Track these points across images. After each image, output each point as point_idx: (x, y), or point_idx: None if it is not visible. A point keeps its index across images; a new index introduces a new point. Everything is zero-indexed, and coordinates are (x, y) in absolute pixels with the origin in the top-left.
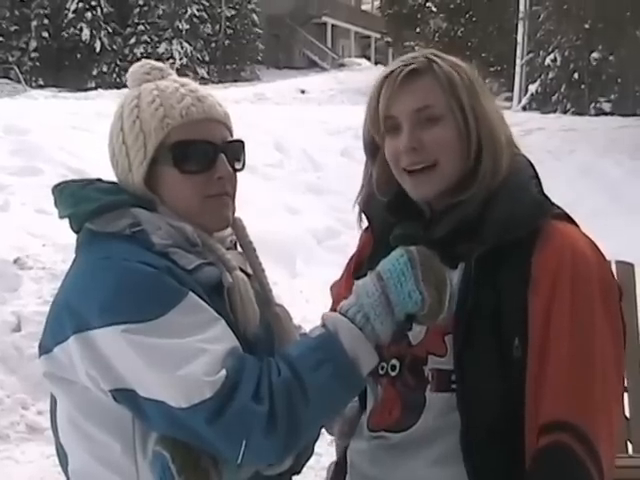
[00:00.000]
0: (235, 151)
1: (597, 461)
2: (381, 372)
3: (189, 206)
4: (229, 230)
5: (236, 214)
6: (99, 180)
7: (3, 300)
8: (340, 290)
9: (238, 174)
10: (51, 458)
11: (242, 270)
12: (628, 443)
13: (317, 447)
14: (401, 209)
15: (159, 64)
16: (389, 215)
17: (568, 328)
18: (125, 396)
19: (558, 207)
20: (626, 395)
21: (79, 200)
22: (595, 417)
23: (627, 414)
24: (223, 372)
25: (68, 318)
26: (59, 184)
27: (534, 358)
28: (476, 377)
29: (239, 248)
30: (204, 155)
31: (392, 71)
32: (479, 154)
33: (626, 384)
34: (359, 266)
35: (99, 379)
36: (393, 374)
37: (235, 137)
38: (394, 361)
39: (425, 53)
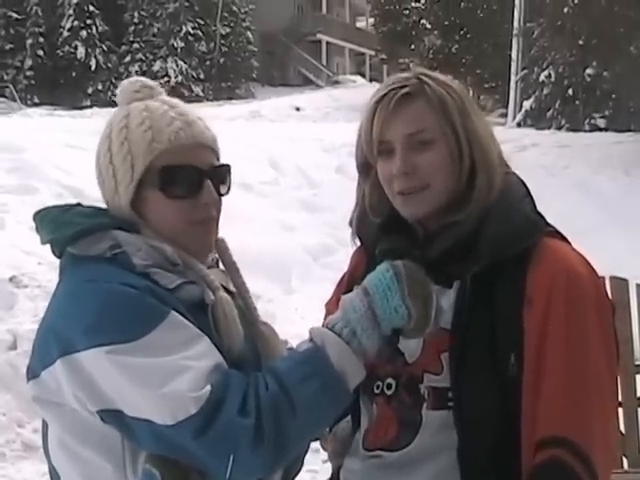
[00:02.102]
0: (221, 176)
1: (594, 477)
2: (376, 391)
3: (174, 231)
4: None
5: (226, 233)
6: (79, 205)
7: None
8: (332, 311)
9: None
10: (46, 476)
11: (224, 288)
12: (623, 458)
13: (313, 464)
14: (394, 230)
15: (150, 82)
16: (382, 236)
17: (563, 345)
18: (112, 416)
19: (550, 225)
20: (620, 410)
21: (59, 225)
22: (591, 432)
23: (622, 429)
24: (208, 387)
25: (54, 342)
26: (40, 211)
27: (530, 375)
28: (472, 394)
29: (221, 266)
30: (191, 180)
31: (385, 94)
32: (472, 174)
33: (620, 398)
34: (351, 286)
35: (86, 401)
36: (389, 393)
37: (222, 161)
38: (390, 380)
39: (417, 73)
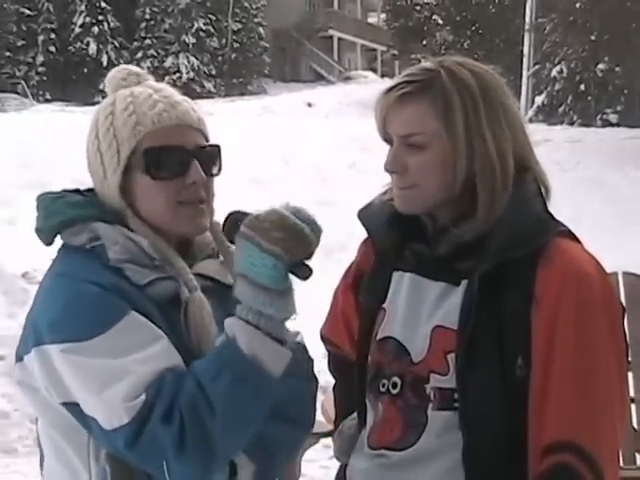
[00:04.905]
0: (210, 156)
1: None
2: (382, 389)
3: (162, 214)
4: (210, 237)
5: (216, 219)
6: (76, 191)
7: (12, 314)
8: (338, 303)
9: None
10: None
11: (218, 281)
12: (636, 454)
13: (326, 460)
14: (402, 223)
15: (137, 69)
16: (391, 231)
17: (572, 346)
18: (73, 409)
19: (562, 224)
20: (634, 407)
21: (48, 214)
22: (600, 437)
23: (635, 425)
24: (142, 397)
25: (32, 330)
26: (40, 195)
27: (537, 377)
28: (478, 396)
29: (221, 257)
30: (176, 161)
31: (393, 87)
32: (471, 185)
33: (633, 395)
34: (359, 279)
35: (52, 392)
36: (394, 392)
37: (212, 142)
38: (395, 379)
39: (441, 64)
